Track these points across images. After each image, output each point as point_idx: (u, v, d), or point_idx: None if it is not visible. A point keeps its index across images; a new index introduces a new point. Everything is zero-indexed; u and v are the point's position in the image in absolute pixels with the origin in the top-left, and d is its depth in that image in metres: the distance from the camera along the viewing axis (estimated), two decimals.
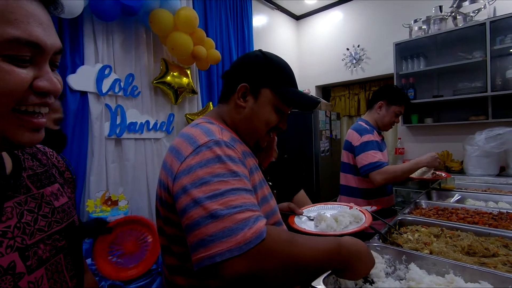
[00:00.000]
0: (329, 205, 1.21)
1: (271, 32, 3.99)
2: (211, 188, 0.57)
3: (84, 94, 1.95)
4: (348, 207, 1.11)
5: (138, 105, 2.27)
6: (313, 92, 4.30)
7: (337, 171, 2.02)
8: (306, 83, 4.38)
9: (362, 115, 4.03)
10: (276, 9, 4.04)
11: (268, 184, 0.85)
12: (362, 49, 3.85)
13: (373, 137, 1.75)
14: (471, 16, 2.83)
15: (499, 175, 2.53)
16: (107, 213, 1.72)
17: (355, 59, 3.91)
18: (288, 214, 1.10)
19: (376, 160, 1.63)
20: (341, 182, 1.91)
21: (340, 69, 4.08)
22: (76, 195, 1.85)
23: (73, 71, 1.89)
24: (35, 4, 0.41)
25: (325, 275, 0.78)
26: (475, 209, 1.42)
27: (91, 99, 1.97)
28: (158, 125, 2.37)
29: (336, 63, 4.10)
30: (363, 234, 1.11)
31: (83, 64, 1.94)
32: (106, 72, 2.02)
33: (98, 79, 1.98)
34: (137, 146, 2.25)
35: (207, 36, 2.53)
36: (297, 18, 4.48)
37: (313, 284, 0.75)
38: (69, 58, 1.89)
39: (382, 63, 3.66)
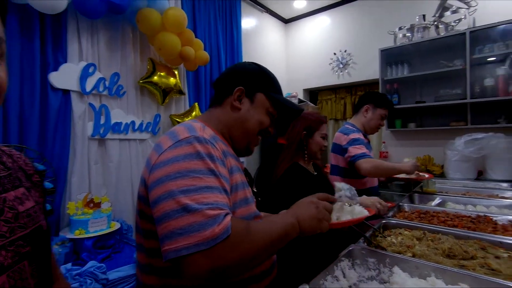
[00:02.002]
0: None
1: (259, 35, 4.01)
2: (185, 182, 0.58)
3: (66, 93, 1.89)
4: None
5: (123, 105, 2.22)
6: (300, 95, 4.33)
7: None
8: (294, 86, 4.42)
9: (348, 119, 4.10)
10: (265, 11, 4.06)
11: (253, 191, 0.87)
12: (349, 54, 3.93)
13: (361, 136, 1.80)
14: (452, 26, 2.94)
15: (477, 179, 2.63)
16: (89, 215, 1.67)
17: (342, 63, 3.98)
18: None
19: (364, 151, 1.70)
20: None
21: (327, 73, 4.14)
22: (57, 197, 1.78)
23: (55, 69, 1.83)
24: None
25: (311, 281, 0.79)
26: (455, 212, 1.47)
27: (74, 98, 1.91)
28: (144, 125, 2.32)
29: (323, 67, 4.16)
30: (349, 236, 1.12)
31: (66, 61, 1.88)
32: (90, 70, 1.96)
33: (81, 78, 1.92)
34: (121, 146, 2.20)
35: (196, 37, 2.51)
36: (286, 21, 4.52)
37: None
38: (51, 55, 1.82)
39: (368, 69, 3.74)
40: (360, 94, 3.96)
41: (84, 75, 1.93)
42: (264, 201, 1.42)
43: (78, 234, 1.59)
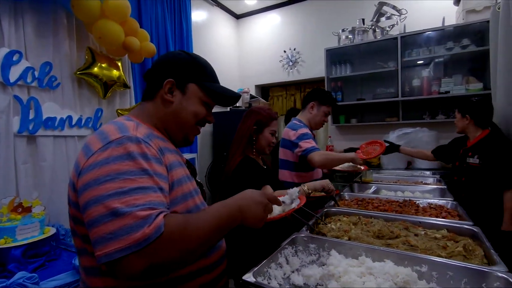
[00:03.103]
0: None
1: (210, 29, 3.94)
2: (114, 186, 0.56)
3: None
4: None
5: (57, 98, 2.01)
6: (252, 91, 4.39)
7: (274, 167, 2.12)
8: (246, 82, 4.46)
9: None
10: (216, 5, 4.00)
11: (196, 181, 0.87)
12: (298, 52, 4.09)
13: (308, 130, 1.91)
14: (387, 31, 3.25)
15: (406, 168, 2.98)
16: (17, 221, 1.49)
17: (291, 61, 4.13)
18: None
19: (314, 145, 1.80)
20: (279, 178, 2.01)
21: (278, 70, 4.26)
22: None
23: None
24: None
25: (255, 268, 0.82)
26: (387, 198, 1.65)
27: None
28: (83, 121, 2.13)
29: (274, 64, 4.27)
30: (293, 225, 1.19)
31: None
32: (15, 58, 1.73)
33: (3, 66, 1.68)
34: (56, 144, 1.99)
35: (141, 27, 2.37)
36: (237, 17, 4.52)
37: (244, 277, 0.78)
38: None
39: (315, 67, 3.94)
40: (308, 91, 4.15)
41: (7, 64, 1.69)
42: (218, 194, 1.43)
43: (3, 243, 1.40)
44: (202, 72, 0.83)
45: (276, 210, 0.91)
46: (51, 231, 1.61)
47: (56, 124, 1.95)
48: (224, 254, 0.87)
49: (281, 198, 0.91)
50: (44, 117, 1.89)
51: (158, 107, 0.80)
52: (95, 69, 2.14)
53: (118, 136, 0.63)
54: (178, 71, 0.80)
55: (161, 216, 0.57)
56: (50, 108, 1.94)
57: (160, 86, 0.79)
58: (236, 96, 0.88)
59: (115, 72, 2.27)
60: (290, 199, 0.93)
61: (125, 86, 2.39)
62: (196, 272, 0.75)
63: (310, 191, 1.38)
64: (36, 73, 1.86)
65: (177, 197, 0.71)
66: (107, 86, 2.24)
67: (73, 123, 2.06)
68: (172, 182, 0.70)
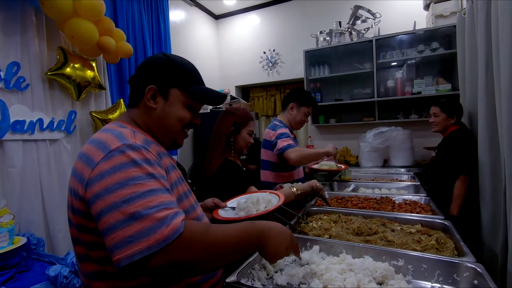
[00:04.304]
0: (251, 194, 1.24)
1: (189, 29, 3.89)
2: (126, 192, 0.58)
3: None
4: (268, 193, 1.18)
5: (26, 100, 1.90)
6: (233, 92, 4.39)
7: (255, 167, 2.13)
8: (226, 83, 4.45)
9: (278, 115, 4.33)
10: (194, 5, 3.96)
11: (187, 181, 0.90)
12: (277, 54, 4.13)
13: (287, 130, 1.93)
14: (363, 33, 3.35)
15: (383, 166, 3.09)
16: None
17: (271, 62, 4.16)
18: (213, 209, 1.14)
19: (290, 143, 1.82)
20: (261, 179, 2.01)
21: (258, 71, 4.28)
22: None
23: None
24: None
25: (238, 269, 0.82)
26: (365, 196, 1.70)
27: None
28: (55, 124, 2.03)
29: (254, 65, 4.29)
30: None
31: None
32: None
33: None
34: (26, 149, 1.88)
35: (117, 26, 2.30)
36: (216, 17, 4.49)
37: (227, 280, 0.78)
38: None
39: (294, 68, 3.99)
40: (288, 91, 4.20)
41: None
42: (199, 195, 1.41)
43: None
44: (185, 75, 0.82)
45: (253, 209, 0.92)
46: (21, 241, 1.52)
47: (25, 128, 1.85)
48: None
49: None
50: (12, 120, 1.78)
51: (143, 114, 0.80)
52: (68, 69, 2.05)
53: (118, 144, 0.65)
54: (159, 77, 0.79)
55: (178, 216, 0.59)
56: (18, 111, 1.83)
57: (143, 94, 0.78)
58: (221, 97, 0.88)
59: (89, 73, 2.18)
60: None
61: (100, 87, 2.31)
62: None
63: (298, 192, 1.40)
64: (2, 74, 1.75)
65: (176, 198, 0.72)
66: (81, 88, 2.15)
67: (44, 126, 1.96)
68: (170, 185, 0.72)
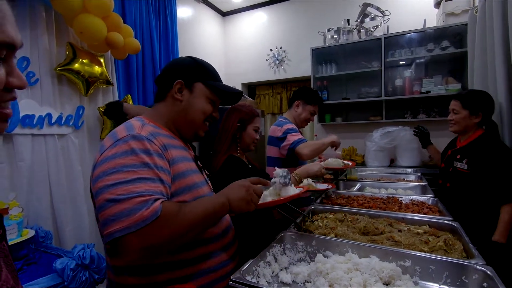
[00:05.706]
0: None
1: (196, 26, 3.89)
2: (119, 176, 0.65)
3: None
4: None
5: (36, 95, 1.92)
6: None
7: (261, 165, 2.12)
8: (232, 80, 4.44)
9: (284, 113, 4.32)
10: (201, 2, 3.95)
11: (206, 173, 0.97)
12: (284, 51, 4.10)
13: (294, 126, 1.93)
14: (371, 31, 3.31)
15: (390, 166, 3.06)
16: None
17: (277, 60, 4.14)
18: None
19: (301, 137, 1.83)
20: (270, 176, 2.01)
21: (264, 68, 4.26)
22: None
23: None
24: (4, 2, 0.40)
25: (243, 267, 0.82)
26: (371, 195, 1.68)
27: None
28: (64, 118, 2.05)
29: (261, 62, 4.27)
30: (282, 223, 1.20)
31: None
32: None
33: None
34: (35, 143, 1.91)
35: (125, 23, 2.31)
36: (224, 14, 4.48)
37: (232, 276, 0.78)
38: None
39: (301, 66, 3.97)
40: (294, 89, 4.19)
41: None
42: None
43: None
44: (207, 73, 0.94)
45: (268, 197, 0.92)
46: (29, 233, 1.55)
47: (34, 122, 1.87)
48: (235, 235, 0.98)
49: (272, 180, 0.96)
50: (22, 114, 1.80)
51: (169, 107, 0.90)
52: (76, 65, 2.06)
53: (124, 134, 0.73)
54: (186, 73, 0.90)
55: (158, 201, 0.65)
56: (28, 105, 1.85)
57: (170, 87, 0.89)
58: (238, 92, 1.00)
59: (97, 69, 2.20)
60: (279, 178, 0.95)
61: (108, 83, 2.32)
62: (213, 252, 0.84)
63: (297, 176, 1.42)
64: None
65: (181, 188, 0.79)
66: (89, 83, 2.16)
67: (53, 121, 1.98)
68: (174, 175, 0.77)
